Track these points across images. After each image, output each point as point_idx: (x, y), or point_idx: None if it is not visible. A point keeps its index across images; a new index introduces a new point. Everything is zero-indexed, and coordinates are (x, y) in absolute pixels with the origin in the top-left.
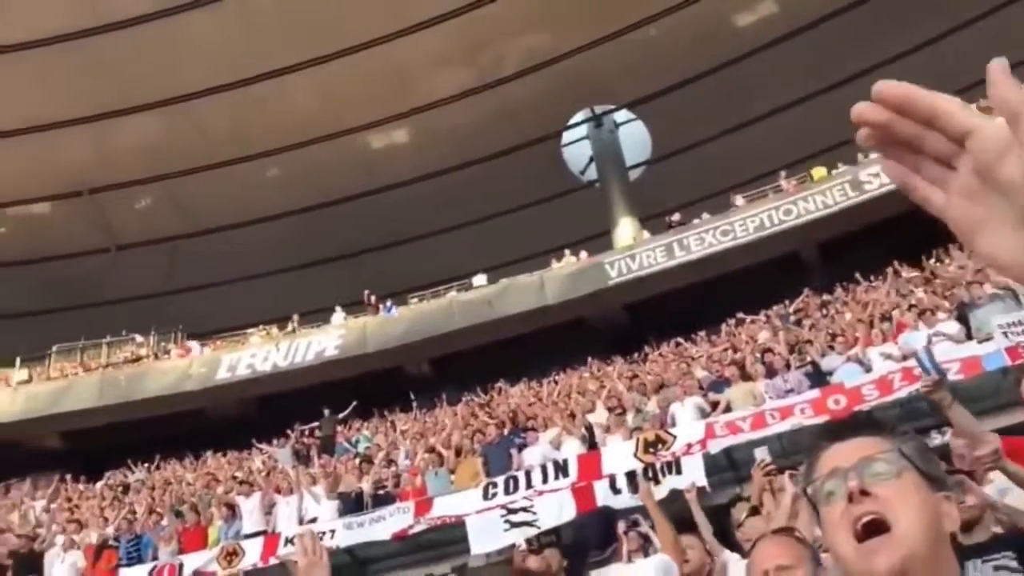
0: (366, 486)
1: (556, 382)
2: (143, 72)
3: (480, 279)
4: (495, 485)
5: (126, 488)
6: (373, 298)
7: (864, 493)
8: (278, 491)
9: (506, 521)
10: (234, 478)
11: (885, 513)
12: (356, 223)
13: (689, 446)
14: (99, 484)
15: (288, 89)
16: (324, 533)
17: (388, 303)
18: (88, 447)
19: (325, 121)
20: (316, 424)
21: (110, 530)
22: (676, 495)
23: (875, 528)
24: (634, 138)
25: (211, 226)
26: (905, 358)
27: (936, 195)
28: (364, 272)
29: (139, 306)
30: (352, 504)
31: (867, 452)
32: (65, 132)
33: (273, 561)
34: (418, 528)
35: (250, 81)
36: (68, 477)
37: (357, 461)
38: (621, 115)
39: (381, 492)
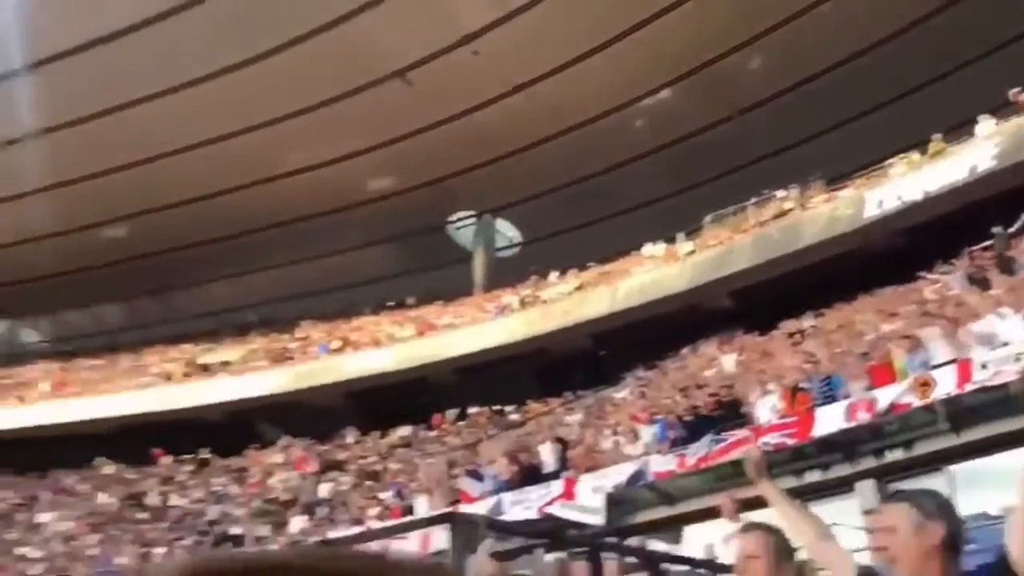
0: None
1: None
2: None
3: None
4: None
5: (802, 334)
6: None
7: None
8: (957, 319)
9: None
10: (911, 310)
11: None
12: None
13: None
14: (775, 334)
15: None
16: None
17: None
18: (756, 302)
19: None
20: (987, 243)
21: (800, 375)
22: None
23: None
24: None
25: (819, 69)
26: None
27: None
28: (1003, 69)
29: (775, 162)
30: None
31: None
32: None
33: (968, 387)
34: None
35: None
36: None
37: None
38: None
39: None
